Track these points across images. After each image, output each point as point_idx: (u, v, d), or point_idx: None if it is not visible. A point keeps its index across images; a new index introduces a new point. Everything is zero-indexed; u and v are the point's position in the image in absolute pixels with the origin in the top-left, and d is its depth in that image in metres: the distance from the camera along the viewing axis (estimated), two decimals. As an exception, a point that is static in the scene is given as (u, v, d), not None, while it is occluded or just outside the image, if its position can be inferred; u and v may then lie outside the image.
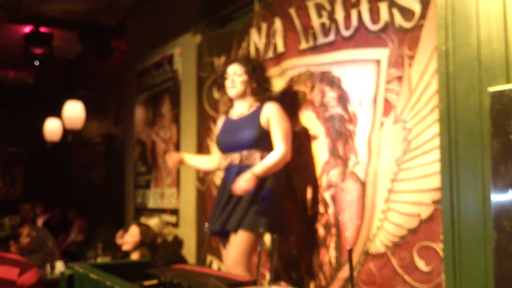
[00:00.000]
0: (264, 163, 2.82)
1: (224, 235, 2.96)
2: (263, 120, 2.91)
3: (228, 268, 2.86)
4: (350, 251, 2.25)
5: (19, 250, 3.72)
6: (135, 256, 4.13)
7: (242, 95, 3.02)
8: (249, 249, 2.84)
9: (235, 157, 2.94)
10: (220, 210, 2.93)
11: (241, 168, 2.87)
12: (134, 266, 2.90)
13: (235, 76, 3.00)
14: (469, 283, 2.23)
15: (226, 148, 3.03)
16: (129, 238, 4.22)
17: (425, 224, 2.41)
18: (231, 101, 3.14)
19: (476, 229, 2.21)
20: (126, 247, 4.23)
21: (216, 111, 4.06)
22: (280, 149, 2.86)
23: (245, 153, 2.91)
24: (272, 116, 2.91)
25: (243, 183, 2.73)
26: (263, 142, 2.90)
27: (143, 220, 4.52)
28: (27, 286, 3.37)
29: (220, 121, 3.24)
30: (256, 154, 2.89)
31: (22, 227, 3.85)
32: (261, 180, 2.82)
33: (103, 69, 6.72)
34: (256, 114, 2.95)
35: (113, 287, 2.15)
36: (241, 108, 3.05)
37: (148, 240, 4.20)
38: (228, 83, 3.04)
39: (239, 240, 2.83)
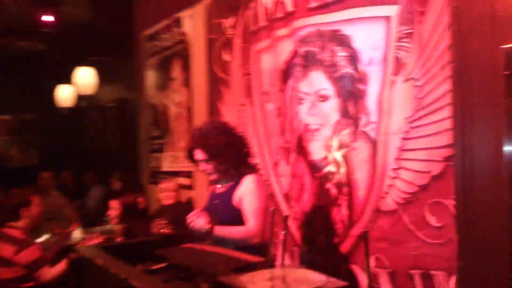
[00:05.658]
0: (227, 230, 2.56)
1: None
2: (236, 199, 2.66)
3: None
4: (365, 234, 2.19)
5: (30, 220, 3.55)
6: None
7: (220, 176, 2.75)
8: None
9: None
10: None
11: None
12: (145, 246, 2.76)
13: (203, 162, 2.73)
14: (482, 241, 2.25)
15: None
16: (167, 192, 4.51)
17: (436, 180, 2.42)
18: None
19: (489, 186, 2.21)
20: (167, 201, 4.47)
21: (226, 74, 4.05)
22: (249, 227, 2.58)
23: None
24: (246, 193, 2.64)
25: (200, 225, 2.50)
26: (236, 223, 2.62)
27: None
28: (25, 264, 3.30)
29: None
30: None
31: (32, 196, 3.61)
32: None
33: (113, 34, 6.69)
34: (230, 193, 2.69)
35: (118, 274, 2.08)
36: (223, 180, 2.77)
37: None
38: (201, 167, 2.77)
39: None
